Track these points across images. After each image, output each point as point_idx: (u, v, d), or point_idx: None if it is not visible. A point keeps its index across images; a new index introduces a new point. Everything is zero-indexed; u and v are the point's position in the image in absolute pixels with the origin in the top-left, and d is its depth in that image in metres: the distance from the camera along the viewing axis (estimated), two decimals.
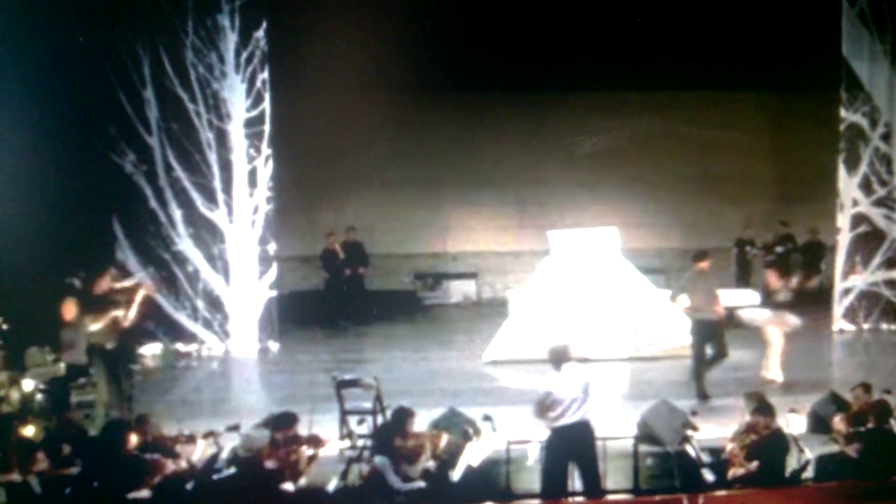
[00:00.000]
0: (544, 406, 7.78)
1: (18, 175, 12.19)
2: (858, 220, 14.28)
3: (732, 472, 7.84)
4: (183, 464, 7.96)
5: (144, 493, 7.46)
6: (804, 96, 16.09)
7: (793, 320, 11.39)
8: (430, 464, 7.85)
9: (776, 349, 11.33)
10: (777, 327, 11.37)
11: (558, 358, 7.95)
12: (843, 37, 14.03)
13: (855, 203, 14.27)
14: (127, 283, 10.42)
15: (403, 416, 8.10)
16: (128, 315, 9.95)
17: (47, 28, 12.46)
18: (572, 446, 7.73)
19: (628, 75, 15.72)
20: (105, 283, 9.96)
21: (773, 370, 11.29)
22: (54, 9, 12.49)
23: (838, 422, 8.49)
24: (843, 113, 14.19)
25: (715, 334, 10.81)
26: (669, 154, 17.20)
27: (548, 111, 17.07)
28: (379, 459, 7.67)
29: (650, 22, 15.33)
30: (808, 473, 7.97)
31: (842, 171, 14.26)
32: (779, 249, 15.98)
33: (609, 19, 15.45)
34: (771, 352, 11.32)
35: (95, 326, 9.75)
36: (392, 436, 7.91)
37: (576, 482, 7.81)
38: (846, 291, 14.41)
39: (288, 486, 7.59)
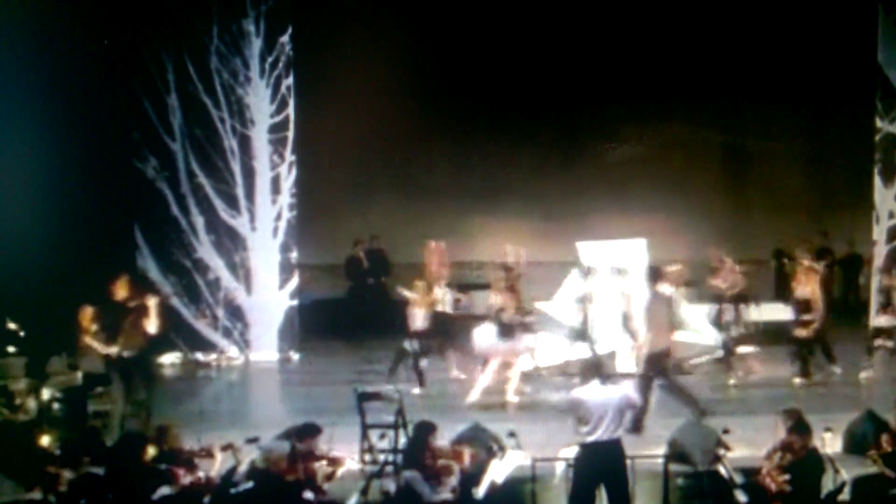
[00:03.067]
0: (573, 415, 7.65)
1: (41, 181, 12.16)
2: (894, 232, 13.97)
3: None
4: (200, 476, 7.82)
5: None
6: (839, 105, 15.78)
7: (521, 350, 11.23)
8: (454, 480, 7.68)
9: (510, 374, 11.10)
10: (496, 357, 11.11)
11: (595, 371, 7.80)
12: (878, 45, 13.76)
13: (891, 215, 14.00)
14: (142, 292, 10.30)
15: (425, 430, 7.93)
16: (149, 323, 9.81)
17: (71, 33, 12.46)
18: (602, 466, 7.54)
19: (659, 83, 15.52)
20: (121, 291, 9.83)
21: (509, 392, 11.05)
22: (78, 14, 12.46)
23: (886, 442, 8.19)
24: (878, 123, 13.94)
25: None
26: (701, 164, 16.92)
27: (577, 119, 16.84)
28: (409, 473, 7.54)
29: (682, 30, 15.15)
30: (845, 495, 7.77)
31: (877, 182, 13.98)
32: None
33: (640, 27, 15.29)
34: (509, 374, 11.11)
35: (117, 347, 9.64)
36: (418, 451, 7.76)
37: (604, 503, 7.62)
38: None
39: (307, 495, 7.43)
